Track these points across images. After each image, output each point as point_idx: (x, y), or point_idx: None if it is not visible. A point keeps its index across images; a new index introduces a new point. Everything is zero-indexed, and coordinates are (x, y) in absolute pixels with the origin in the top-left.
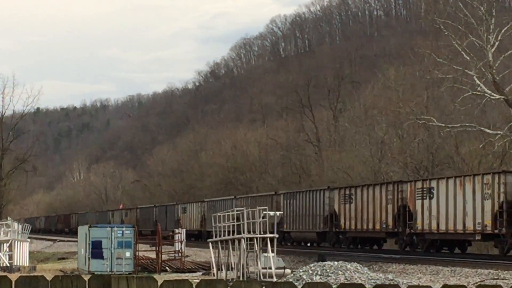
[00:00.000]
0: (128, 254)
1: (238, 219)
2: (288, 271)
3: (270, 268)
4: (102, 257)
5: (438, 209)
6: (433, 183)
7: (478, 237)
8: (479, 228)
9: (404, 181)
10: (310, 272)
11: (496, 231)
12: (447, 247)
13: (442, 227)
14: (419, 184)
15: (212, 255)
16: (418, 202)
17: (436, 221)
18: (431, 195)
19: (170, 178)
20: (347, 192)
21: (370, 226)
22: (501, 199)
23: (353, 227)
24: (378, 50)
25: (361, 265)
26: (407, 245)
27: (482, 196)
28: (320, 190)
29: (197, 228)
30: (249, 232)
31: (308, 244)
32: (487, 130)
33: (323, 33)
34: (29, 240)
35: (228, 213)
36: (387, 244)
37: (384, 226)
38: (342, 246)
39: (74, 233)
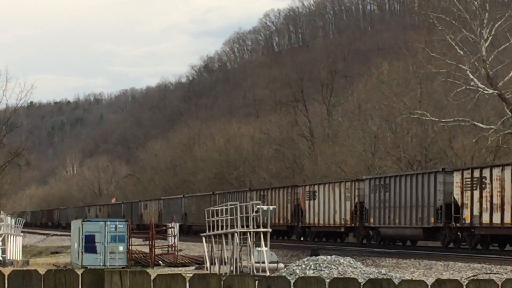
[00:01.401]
0: (121, 248)
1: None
2: (281, 265)
3: (263, 262)
4: (95, 251)
5: (319, 207)
6: (316, 187)
7: (342, 229)
8: (343, 223)
9: (298, 185)
10: (304, 266)
11: (353, 225)
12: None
13: (321, 222)
14: (307, 188)
15: (206, 250)
16: (307, 203)
17: (317, 217)
18: (315, 197)
19: (163, 172)
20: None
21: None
22: (356, 201)
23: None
24: (371, 44)
25: (354, 260)
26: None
27: (345, 198)
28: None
29: (155, 223)
30: (242, 226)
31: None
32: (481, 125)
33: (317, 28)
34: (22, 234)
35: (222, 208)
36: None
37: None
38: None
39: (56, 226)
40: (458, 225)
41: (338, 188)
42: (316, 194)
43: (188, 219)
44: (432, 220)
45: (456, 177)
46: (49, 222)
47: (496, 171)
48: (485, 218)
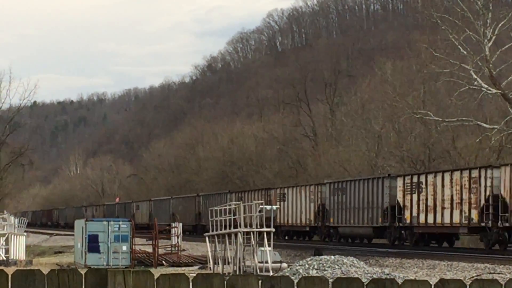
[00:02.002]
0: (124, 248)
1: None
2: (284, 265)
3: (266, 262)
4: (98, 251)
5: (288, 209)
6: (285, 190)
7: (307, 228)
8: (308, 222)
9: (271, 188)
10: (307, 266)
11: (316, 224)
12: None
13: (290, 222)
14: (278, 191)
15: (209, 249)
16: (278, 204)
17: (286, 217)
18: (284, 199)
19: (166, 172)
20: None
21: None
22: (319, 203)
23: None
24: (375, 44)
25: (357, 260)
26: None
27: (310, 200)
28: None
29: (146, 222)
30: (245, 226)
31: None
32: (484, 125)
33: (320, 27)
34: (25, 234)
35: (225, 207)
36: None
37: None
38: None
39: (55, 226)
40: (400, 224)
41: (304, 191)
42: (286, 196)
43: (176, 218)
44: (380, 220)
45: (399, 182)
46: (49, 222)
47: (430, 177)
48: (422, 218)
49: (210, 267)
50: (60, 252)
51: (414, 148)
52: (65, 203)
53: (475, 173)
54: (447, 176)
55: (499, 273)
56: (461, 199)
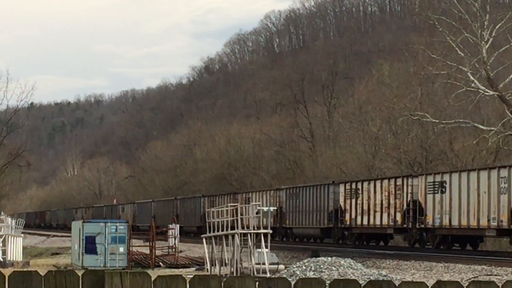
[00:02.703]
0: (121, 249)
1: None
2: (281, 266)
3: (263, 263)
4: (95, 253)
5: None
6: (250, 195)
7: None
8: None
9: (238, 192)
10: (304, 268)
11: (275, 225)
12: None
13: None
14: (244, 195)
15: (206, 251)
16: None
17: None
18: (249, 202)
19: (164, 174)
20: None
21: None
22: (277, 206)
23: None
24: (372, 46)
25: (354, 261)
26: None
27: (270, 204)
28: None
29: (132, 223)
30: (242, 228)
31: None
32: (481, 126)
33: (317, 29)
34: (22, 235)
35: (222, 209)
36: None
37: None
38: None
39: (48, 227)
40: (342, 226)
41: (265, 195)
42: (251, 200)
43: (156, 220)
44: (326, 222)
45: (341, 188)
46: (42, 223)
47: (365, 184)
48: (359, 221)
49: (207, 269)
50: (57, 254)
51: (411, 150)
52: (62, 205)
53: (399, 181)
54: (378, 183)
55: (496, 275)
56: (389, 204)
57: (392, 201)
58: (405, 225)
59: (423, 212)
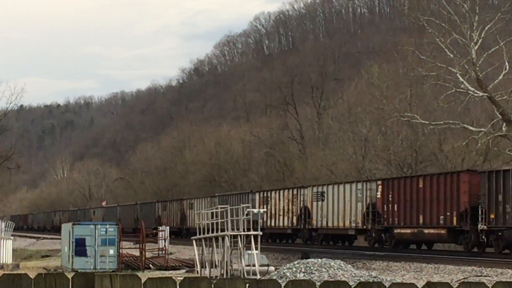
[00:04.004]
0: (111, 251)
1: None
2: (272, 268)
3: (254, 265)
4: (85, 255)
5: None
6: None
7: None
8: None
9: (184, 198)
10: (294, 269)
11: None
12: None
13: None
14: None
15: (196, 253)
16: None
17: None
18: (192, 206)
19: (153, 176)
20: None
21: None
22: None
23: None
24: (361, 47)
25: (345, 263)
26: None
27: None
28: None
29: None
30: (232, 229)
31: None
32: (471, 128)
33: (307, 31)
34: (12, 237)
35: (212, 211)
36: None
37: None
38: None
39: (30, 229)
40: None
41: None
42: (193, 205)
43: (121, 223)
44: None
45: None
46: (24, 226)
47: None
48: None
49: (197, 271)
50: (47, 256)
51: (401, 151)
52: (52, 207)
53: (295, 191)
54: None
55: (485, 276)
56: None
57: (290, 207)
58: (299, 226)
59: (310, 215)
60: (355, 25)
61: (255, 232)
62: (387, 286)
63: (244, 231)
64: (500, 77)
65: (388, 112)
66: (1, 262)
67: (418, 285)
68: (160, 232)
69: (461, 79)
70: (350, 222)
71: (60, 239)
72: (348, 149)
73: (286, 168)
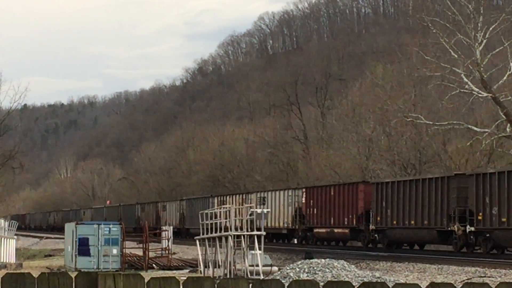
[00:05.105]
0: (115, 251)
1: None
2: (275, 268)
3: (257, 265)
4: (89, 254)
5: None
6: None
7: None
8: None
9: (183, 199)
10: (297, 269)
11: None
12: None
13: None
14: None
15: (199, 253)
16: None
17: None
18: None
19: (157, 175)
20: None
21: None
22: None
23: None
24: (366, 47)
25: (348, 263)
26: None
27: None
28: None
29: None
30: (236, 229)
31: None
32: (475, 128)
33: (311, 31)
34: (15, 237)
35: (215, 211)
36: None
37: None
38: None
39: (27, 229)
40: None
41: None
42: (166, 208)
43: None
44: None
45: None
46: (22, 225)
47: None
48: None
49: (200, 271)
50: (50, 255)
51: (405, 152)
52: (55, 206)
53: (290, 193)
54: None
55: (489, 277)
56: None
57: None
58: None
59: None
60: (359, 25)
61: (259, 232)
62: (390, 286)
63: (248, 231)
64: (505, 77)
65: (392, 113)
66: (5, 261)
67: (421, 286)
68: (164, 232)
69: (465, 79)
70: (284, 223)
71: (63, 238)
72: (352, 149)
73: (289, 168)
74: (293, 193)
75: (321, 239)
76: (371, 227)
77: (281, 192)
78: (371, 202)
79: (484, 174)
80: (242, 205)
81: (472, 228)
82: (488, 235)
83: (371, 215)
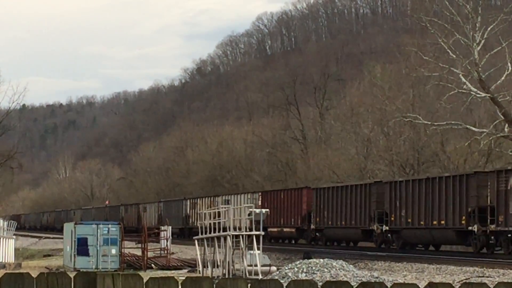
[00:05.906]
0: (113, 251)
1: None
2: (273, 268)
3: (255, 265)
4: (87, 254)
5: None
6: (220, 199)
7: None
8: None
9: (140, 203)
10: (296, 269)
11: None
12: None
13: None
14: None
15: (198, 253)
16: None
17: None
18: (145, 209)
19: (156, 176)
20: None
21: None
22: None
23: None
24: (364, 47)
25: (346, 263)
26: None
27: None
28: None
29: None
30: (234, 229)
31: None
32: (473, 128)
33: (309, 31)
34: (14, 237)
35: (213, 211)
36: None
37: None
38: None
39: (22, 228)
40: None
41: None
42: (146, 209)
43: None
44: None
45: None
46: (18, 225)
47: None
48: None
49: (199, 271)
50: (49, 255)
51: (403, 152)
52: (54, 206)
53: (249, 196)
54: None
55: (487, 277)
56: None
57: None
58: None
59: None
60: (357, 25)
61: (257, 232)
62: (388, 286)
63: (246, 231)
64: (503, 77)
65: (390, 113)
66: (3, 261)
67: (420, 286)
68: (162, 232)
69: (463, 79)
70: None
71: (61, 238)
72: (351, 149)
73: (288, 169)
74: (252, 196)
75: (274, 238)
76: (312, 226)
77: (242, 195)
78: (312, 205)
79: (395, 182)
80: (210, 207)
81: (387, 228)
82: (399, 233)
83: (312, 216)
